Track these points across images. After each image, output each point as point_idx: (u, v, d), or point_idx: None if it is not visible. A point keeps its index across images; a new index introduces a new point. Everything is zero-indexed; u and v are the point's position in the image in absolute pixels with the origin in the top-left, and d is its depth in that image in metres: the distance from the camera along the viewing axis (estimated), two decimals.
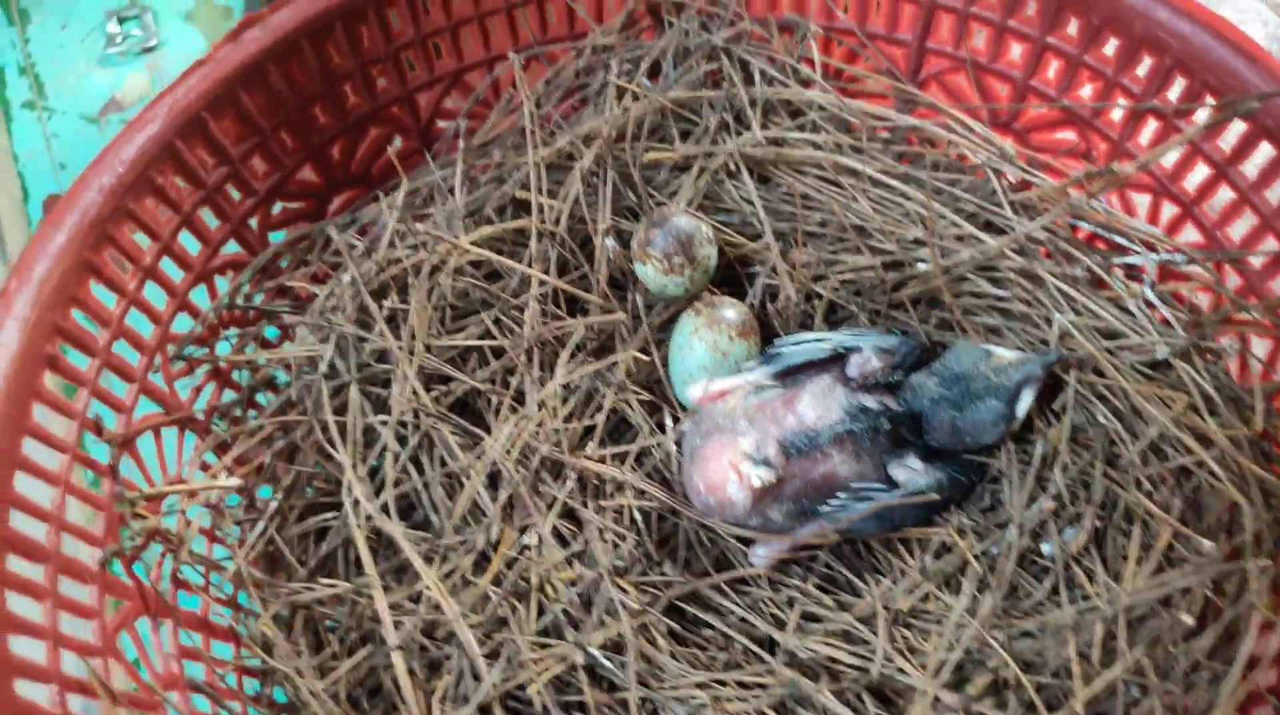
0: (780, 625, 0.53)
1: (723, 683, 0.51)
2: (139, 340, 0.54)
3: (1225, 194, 0.56)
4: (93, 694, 0.45)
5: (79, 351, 0.51)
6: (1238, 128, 0.54)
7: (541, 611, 0.53)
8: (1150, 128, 0.59)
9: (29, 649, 0.43)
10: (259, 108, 0.58)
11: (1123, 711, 0.49)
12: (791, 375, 0.56)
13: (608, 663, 0.51)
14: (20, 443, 0.47)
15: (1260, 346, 0.55)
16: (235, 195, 0.59)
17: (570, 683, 0.52)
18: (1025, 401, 0.55)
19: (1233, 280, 0.57)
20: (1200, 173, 0.57)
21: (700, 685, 0.51)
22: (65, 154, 0.85)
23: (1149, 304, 0.56)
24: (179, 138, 0.54)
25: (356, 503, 0.55)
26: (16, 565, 0.45)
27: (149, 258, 0.54)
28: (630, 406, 0.58)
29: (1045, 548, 0.55)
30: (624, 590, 0.53)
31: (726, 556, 0.56)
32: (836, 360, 0.56)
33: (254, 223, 0.61)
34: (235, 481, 0.54)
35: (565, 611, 0.52)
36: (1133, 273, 0.59)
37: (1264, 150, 0.53)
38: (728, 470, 0.51)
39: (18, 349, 0.47)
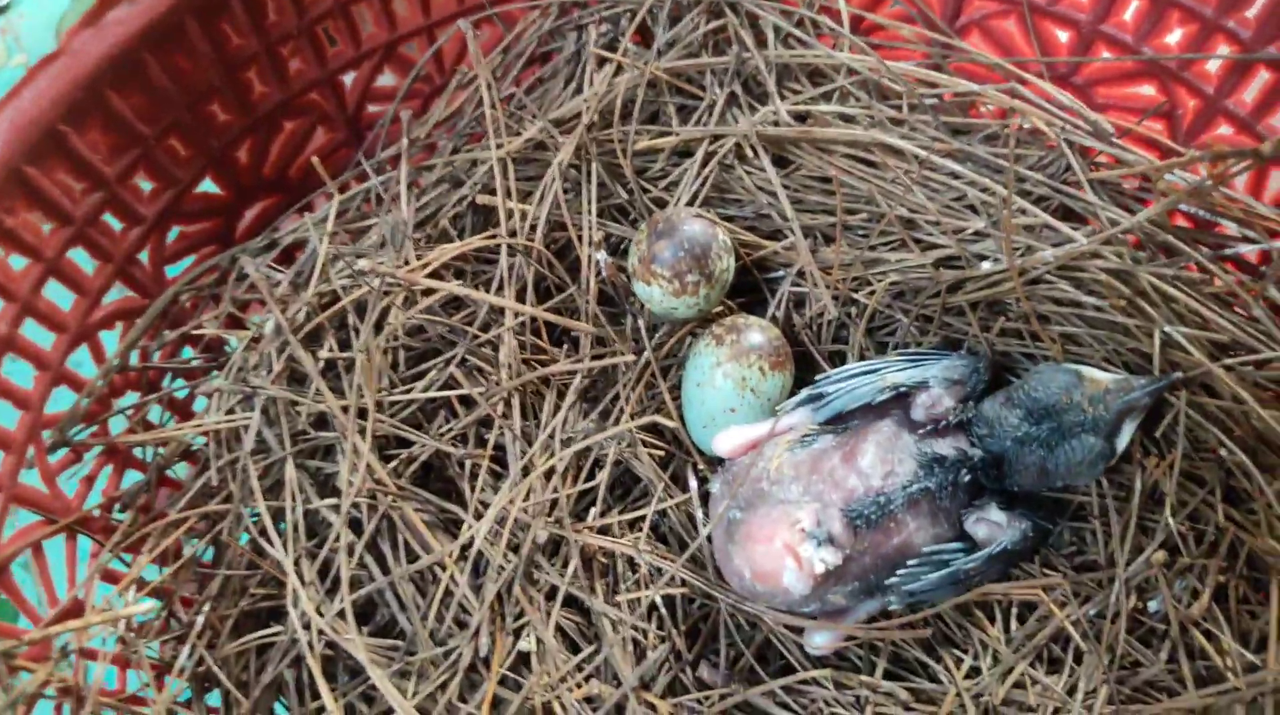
0: None
1: None
2: (2, 435, 0.41)
3: None
4: None
5: None
6: None
7: None
8: (1259, 81, 0.48)
9: None
10: (137, 110, 0.44)
11: None
12: (842, 419, 0.45)
13: None
14: None
15: None
16: (116, 225, 0.46)
17: None
18: (1127, 435, 0.45)
19: None
20: None
21: None
22: None
23: (1268, 302, 0.46)
24: (30, 162, 0.41)
25: (304, 614, 0.43)
26: None
27: (3, 326, 0.41)
28: (638, 459, 0.47)
29: (1153, 605, 0.46)
30: (652, 707, 0.42)
31: (772, 642, 0.46)
32: (896, 398, 0.45)
33: (144, 256, 0.47)
34: (148, 604, 0.42)
35: None
36: (1241, 263, 0.49)
37: None
38: (783, 555, 0.41)
39: None
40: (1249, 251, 0.47)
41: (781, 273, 0.51)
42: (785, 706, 0.43)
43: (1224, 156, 0.41)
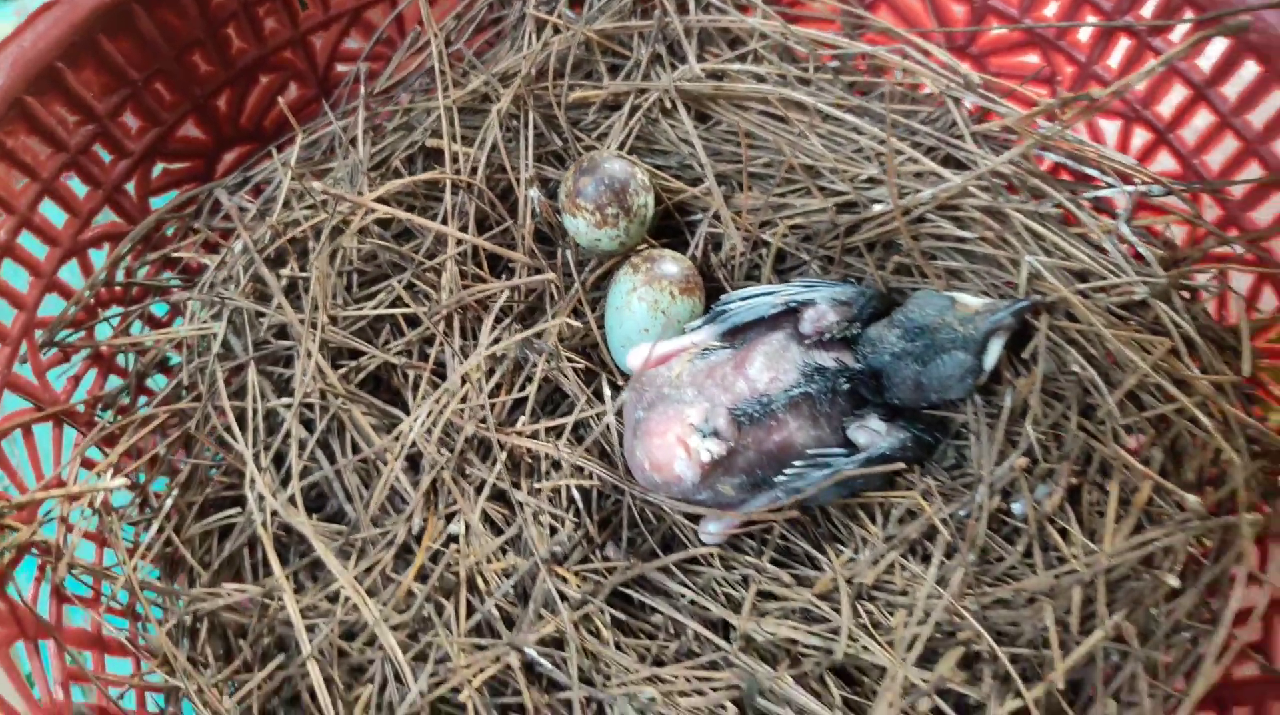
0: (735, 607, 0.49)
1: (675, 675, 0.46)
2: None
3: (1204, 118, 0.51)
4: None
5: None
6: (1219, 45, 0.49)
7: (472, 608, 0.48)
8: (1121, 48, 0.53)
9: None
10: (127, 55, 0.51)
11: (1102, 678, 0.45)
12: (741, 334, 0.51)
13: (547, 662, 0.46)
14: None
15: (1241, 282, 0.51)
16: (106, 157, 0.52)
17: (507, 683, 0.47)
18: (994, 352, 0.50)
19: (1210, 211, 0.52)
20: (1177, 95, 0.52)
21: (649, 679, 0.46)
22: None
23: (1123, 240, 0.51)
24: (30, 93, 0.47)
25: (261, 497, 0.49)
26: None
27: (3, 234, 0.47)
28: (564, 375, 0.53)
29: (1016, 507, 0.51)
30: (563, 579, 0.48)
31: (675, 532, 0.51)
32: (789, 316, 0.51)
33: (131, 187, 0.54)
34: (120, 481, 0.48)
35: (498, 607, 0.47)
36: (1103, 206, 0.54)
37: (1249, 70, 0.48)
38: (675, 445, 0.46)
39: None
40: (1110, 194, 0.52)
41: (700, 216, 0.57)
42: (681, 583, 0.49)
43: (1067, 102, 0.47)
